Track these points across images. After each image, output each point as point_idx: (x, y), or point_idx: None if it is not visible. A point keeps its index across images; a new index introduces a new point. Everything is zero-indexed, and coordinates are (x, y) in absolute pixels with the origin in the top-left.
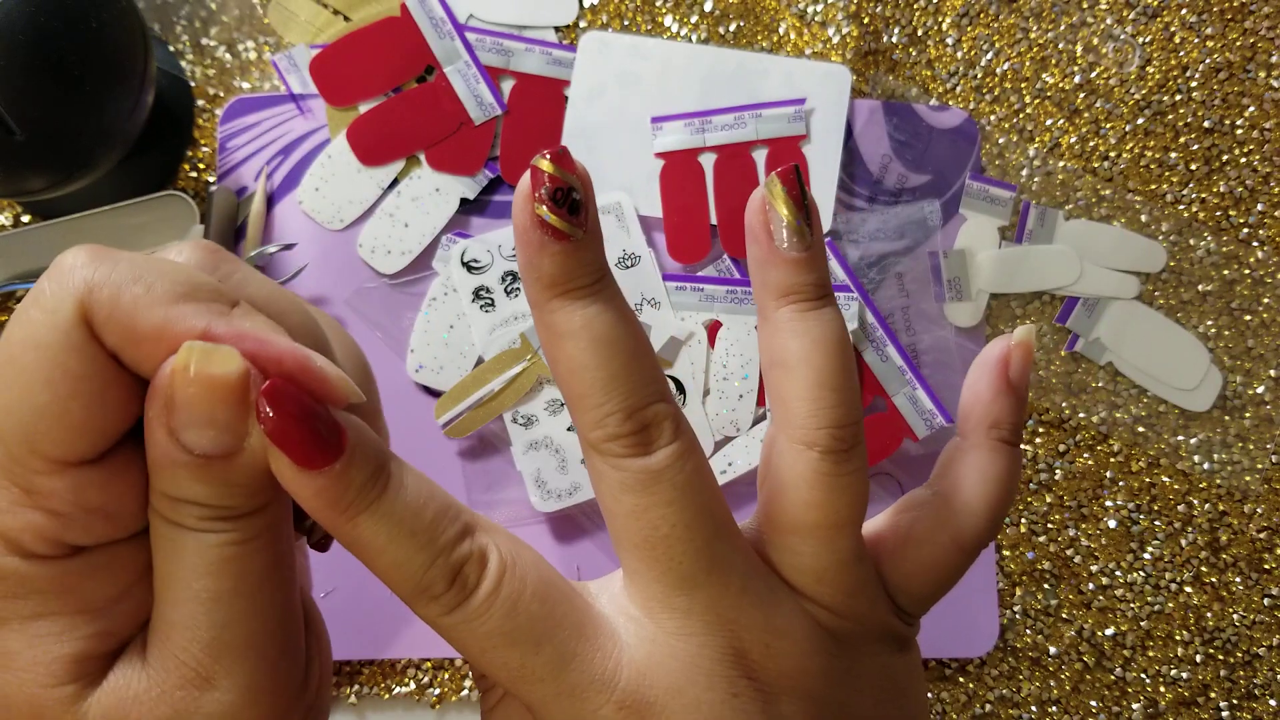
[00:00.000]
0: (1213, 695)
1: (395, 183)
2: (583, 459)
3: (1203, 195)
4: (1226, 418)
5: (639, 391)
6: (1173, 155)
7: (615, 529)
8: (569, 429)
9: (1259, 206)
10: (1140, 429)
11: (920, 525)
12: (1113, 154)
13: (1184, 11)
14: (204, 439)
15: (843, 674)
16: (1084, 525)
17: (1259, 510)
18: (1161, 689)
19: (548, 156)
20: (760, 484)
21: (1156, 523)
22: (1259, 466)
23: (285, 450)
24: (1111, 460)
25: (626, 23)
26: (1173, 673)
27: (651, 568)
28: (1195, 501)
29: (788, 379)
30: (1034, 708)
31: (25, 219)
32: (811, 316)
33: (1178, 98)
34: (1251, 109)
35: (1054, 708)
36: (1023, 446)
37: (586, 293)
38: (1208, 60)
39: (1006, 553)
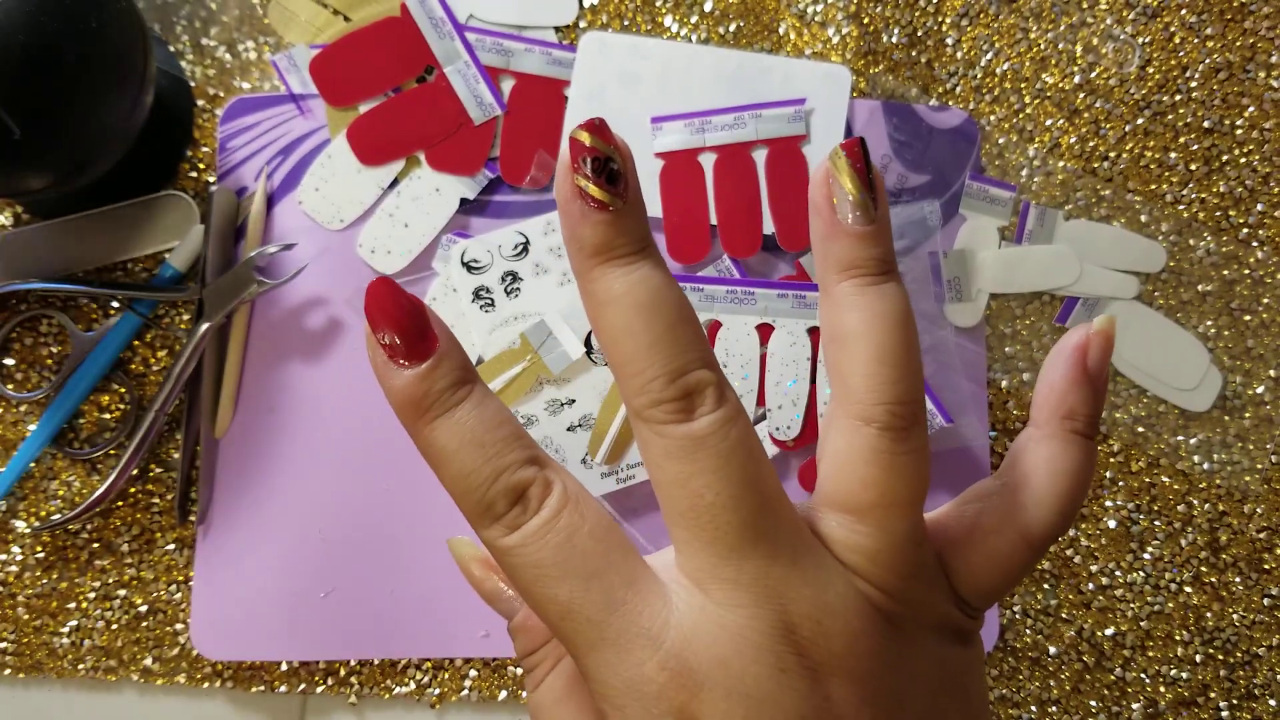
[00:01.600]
0: (1212, 695)
1: (395, 183)
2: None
3: (1202, 195)
4: (1226, 418)
5: (681, 356)
6: (1172, 155)
7: (662, 498)
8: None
9: (1259, 207)
10: (1140, 429)
11: (987, 516)
12: (1112, 154)
13: (1184, 12)
14: None
15: (896, 659)
16: (1084, 525)
17: (1259, 510)
18: (1161, 689)
19: (585, 128)
20: (818, 460)
21: (1156, 523)
22: (1259, 466)
23: (380, 340)
24: (1111, 460)
25: (626, 23)
26: (1172, 673)
27: (698, 537)
28: (1195, 501)
29: (846, 353)
30: (1034, 708)
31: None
32: (873, 291)
33: (1177, 98)
34: (1251, 109)
35: (1054, 708)
36: None
37: (628, 260)
38: (1207, 60)
39: None
